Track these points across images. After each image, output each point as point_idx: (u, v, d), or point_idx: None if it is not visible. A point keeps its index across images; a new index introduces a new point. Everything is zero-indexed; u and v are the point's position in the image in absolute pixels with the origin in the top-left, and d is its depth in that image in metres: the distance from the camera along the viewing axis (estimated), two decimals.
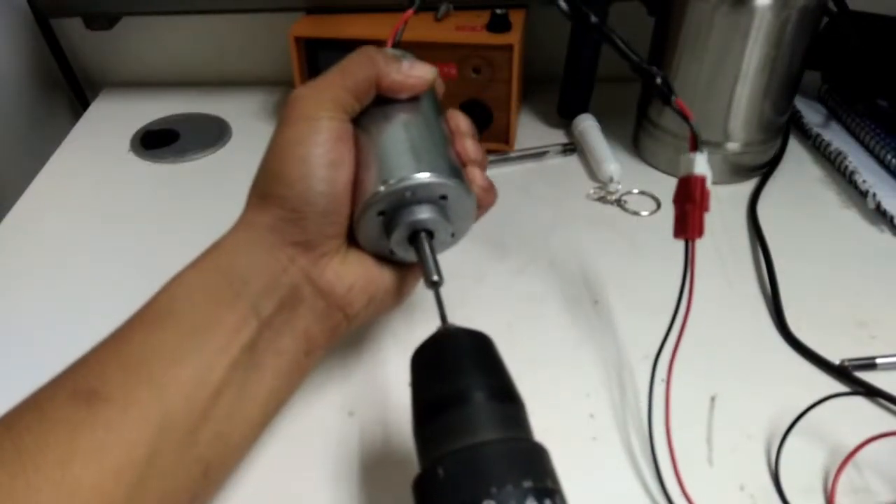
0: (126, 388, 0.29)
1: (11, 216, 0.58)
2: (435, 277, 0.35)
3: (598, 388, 0.42)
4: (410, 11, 0.42)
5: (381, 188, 0.34)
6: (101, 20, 0.68)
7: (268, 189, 0.34)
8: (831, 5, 0.57)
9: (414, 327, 0.46)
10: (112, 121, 0.70)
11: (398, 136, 0.37)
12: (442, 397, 0.28)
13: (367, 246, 0.37)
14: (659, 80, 0.40)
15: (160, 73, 0.75)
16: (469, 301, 0.48)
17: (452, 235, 0.38)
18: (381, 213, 0.35)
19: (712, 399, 0.41)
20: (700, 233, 0.37)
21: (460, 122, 0.40)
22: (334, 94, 0.35)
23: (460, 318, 0.46)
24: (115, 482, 0.27)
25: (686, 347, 0.44)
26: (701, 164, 0.37)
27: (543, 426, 0.39)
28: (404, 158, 0.36)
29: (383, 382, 0.42)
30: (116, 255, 0.54)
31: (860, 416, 0.40)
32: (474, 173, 0.38)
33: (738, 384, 0.41)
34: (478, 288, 0.49)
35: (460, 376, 0.28)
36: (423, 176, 0.35)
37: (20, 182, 0.61)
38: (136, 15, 0.69)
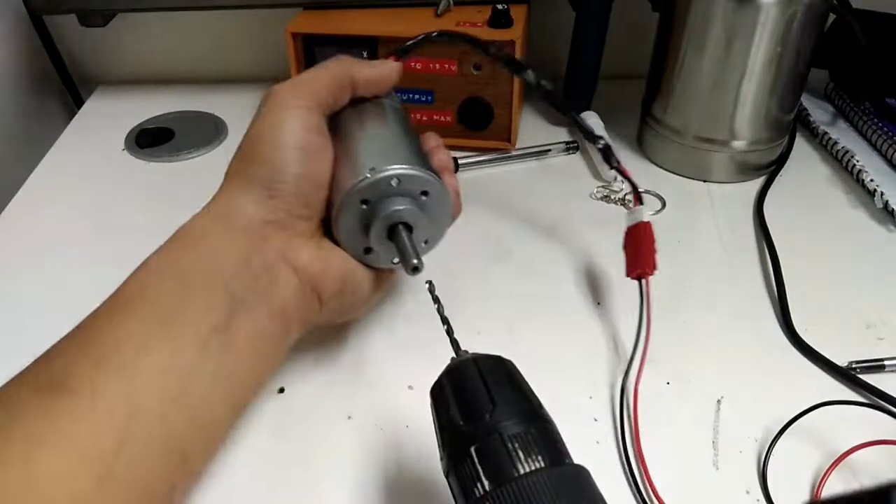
0: (93, 379, 0.28)
1: (5, 215, 0.57)
2: (415, 261, 0.35)
3: (601, 391, 0.41)
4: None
5: (368, 175, 0.35)
6: (96, 17, 0.67)
7: (242, 170, 0.36)
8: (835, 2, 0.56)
9: (410, 327, 0.45)
10: (106, 119, 0.69)
11: (382, 131, 0.38)
12: (475, 434, 0.26)
13: (344, 241, 0.37)
14: (601, 145, 0.46)
15: (155, 71, 0.75)
16: (470, 301, 0.47)
17: (426, 242, 0.38)
18: (364, 202, 0.36)
19: (718, 401, 0.40)
20: (653, 268, 0.41)
21: (429, 136, 0.43)
22: (311, 88, 0.37)
23: (462, 318, 0.46)
24: (82, 471, 0.26)
25: (692, 349, 0.44)
26: (646, 214, 0.43)
27: None
28: (390, 151, 0.36)
29: (381, 385, 0.41)
30: (111, 254, 0.52)
31: (865, 420, 0.39)
32: (449, 179, 0.39)
33: (744, 386, 0.41)
34: (479, 288, 0.48)
35: (487, 408, 0.27)
36: (410, 167, 0.35)
37: (14, 180, 0.60)
38: (131, 11, 0.69)
